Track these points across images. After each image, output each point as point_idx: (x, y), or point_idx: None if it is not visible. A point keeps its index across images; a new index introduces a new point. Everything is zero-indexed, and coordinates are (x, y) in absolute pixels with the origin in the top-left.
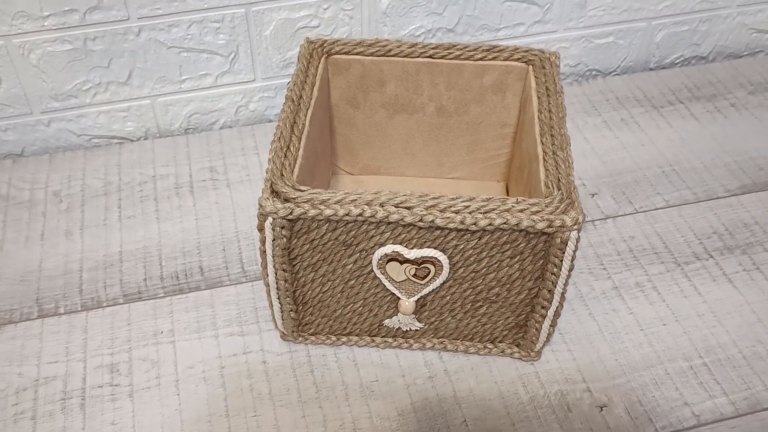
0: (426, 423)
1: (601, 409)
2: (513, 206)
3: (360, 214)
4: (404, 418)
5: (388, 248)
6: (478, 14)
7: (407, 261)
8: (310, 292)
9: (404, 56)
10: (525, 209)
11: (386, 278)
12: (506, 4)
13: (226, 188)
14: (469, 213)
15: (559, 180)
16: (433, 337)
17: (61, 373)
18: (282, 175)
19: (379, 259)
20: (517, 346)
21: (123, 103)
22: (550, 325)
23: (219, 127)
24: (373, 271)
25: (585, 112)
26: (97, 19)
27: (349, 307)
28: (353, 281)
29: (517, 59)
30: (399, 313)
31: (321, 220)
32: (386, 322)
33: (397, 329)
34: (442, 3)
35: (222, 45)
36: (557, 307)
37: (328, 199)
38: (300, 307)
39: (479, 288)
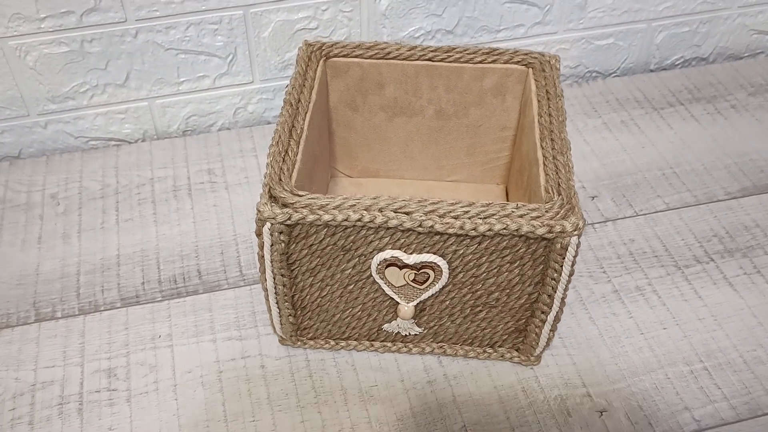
0: (425, 428)
1: (601, 414)
2: (513, 211)
3: (359, 220)
4: (403, 423)
5: (387, 253)
6: (478, 16)
7: (406, 266)
8: (308, 296)
9: (403, 59)
10: (525, 214)
11: (385, 283)
12: (506, 5)
13: (224, 191)
14: (469, 218)
15: (559, 185)
16: (432, 341)
17: (58, 378)
18: (280, 179)
19: (378, 264)
20: (516, 350)
21: (120, 105)
22: (550, 330)
23: (217, 129)
24: (372, 276)
25: (585, 113)
26: (94, 21)
27: (348, 311)
28: (352, 286)
29: (517, 62)
30: (398, 318)
31: (319, 225)
32: (385, 326)
33: (397, 334)
34: (441, 4)
35: (220, 47)
36: (557, 312)
37: (327, 204)
38: (298, 312)
39: (479, 293)
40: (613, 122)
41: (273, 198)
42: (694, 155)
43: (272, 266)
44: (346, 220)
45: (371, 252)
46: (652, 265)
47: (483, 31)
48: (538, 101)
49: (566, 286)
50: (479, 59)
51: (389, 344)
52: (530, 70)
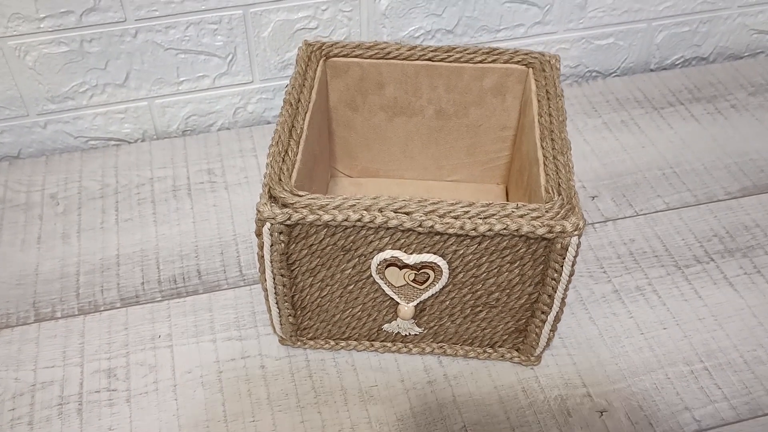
0: (425, 428)
1: (601, 414)
2: (513, 212)
3: (359, 220)
4: (403, 423)
5: (387, 253)
6: (478, 15)
7: (406, 266)
8: (308, 296)
9: (403, 59)
10: (525, 215)
11: (385, 283)
12: (506, 5)
13: (224, 191)
14: (469, 218)
15: (559, 185)
16: (432, 341)
17: (58, 378)
18: (280, 179)
19: (378, 265)
20: (516, 350)
21: (120, 105)
22: (550, 330)
23: (217, 129)
24: (372, 276)
25: (585, 113)
26: (94, 20)
27: (348, 311)
28: (352, 286)
29: (517, 62)
30: (398, 318)
31: (319, 225)
32: (385, 326)
33: (397, 334)
34: (441, 4)
35: (220, 46)
36: (557, 312)
37: (327, 205)
38: (298, 312)
39: (479, 293)
40: (613, 122)
41: (273, 198)
42: (695, 155)
43: (272, 266)
44: (346, 220)
45: (371, 252)
46: (653, 265)
47: (483, 31)
48: (539, 101)
49: (566, 286)
50: (479, 59)
51: (389, 344)
52: (530, 69)
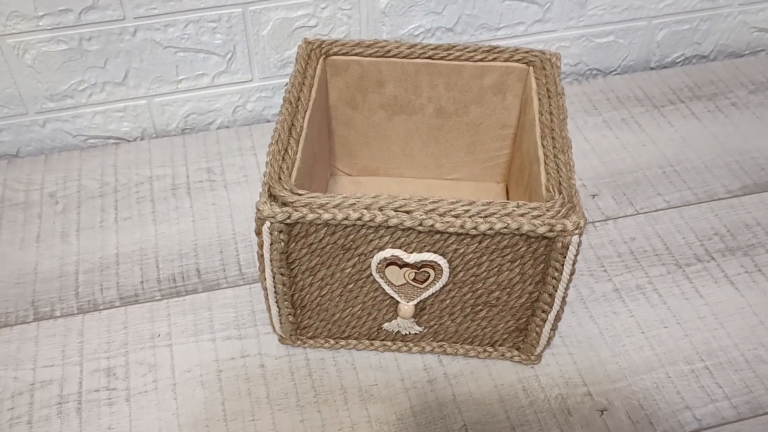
0: (425, 427)
1: (602, 413)
2: (513, 210)
3: (359, 218)
4: (403, 422)
5: (387, 252)
6: (478, 13)
7: (406, 265)
8: (308, 295)
9: (403, 57)
10: (526, 213)
11: (385, 282)
12: (506, 3)
13: (223, 189)
14: (469, 217)
15: (560, 183)
16: (432, 340)
17: (57, 377)
18: (280, 178)
19: (378, 263)
20: (517, 349)
21: (119, 104)
22: (551, 329)
23: (216, 128)
24: (372, 275)
25: (585, 111)
26: (93, 19)
27: (348, 310)
28: (352, 285)
29: (518, 60)
30: (398, 317)
31: (319, 224)
32: (385, 325)
33: (397, 333)
34: (441, 2)
35: (219, 45)
36: (558, 311)
37: (327, 203)
38: (298, 311)
39: (479, 292)
40: (613, 120)
41: (272, 197)
42: (695, 153)
43: (272, 265)
44: (345, 218)
45: (371, 251)
46: (653, 264)
47: (483, 29)
48: (539, 99)
49: (567, 284)
50: (479, 57)
51: (389, 343)
52: (531, 68)
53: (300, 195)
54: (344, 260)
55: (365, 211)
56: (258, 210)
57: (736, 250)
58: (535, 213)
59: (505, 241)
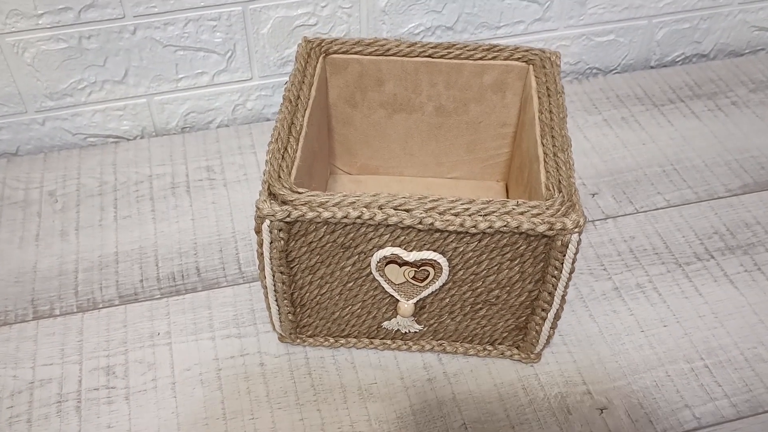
0: (425, 426)
1: (602, 412)
2: (513, 209)
3: (358, 217)
4: (403, 420)
5: (387, 251)
6: (478, 12)
7: (406, 263)
8: (308, 294)
9: (403, 55)
10: (525, 212)
11: (385, 281)
12: (506, 1)
13: (223, 188)
14: (469, 215)
15: (560, 182)
16: (432, 339)
17: (56, 376)
18: (279, 176)
19: (378, 262)
20: (516, 348)
21: (119, 102)
22: (551, 327)
23: (216, 126)
24: (371, 273)
25: (585, 110)
26: (92, 17)
27: (348, 309)
28: (352, 283)
29: (518, 59)
30: (398, 316)
31: (319, 222)
32: (385, 324)
33: (396, 331)
34: (441, 1)
35: (219, 43)
36: (557, 310)
37: (326, 202)
38: (298, 309)
39: (479, 290)
40: (613, 119)
41: (272, 195)
42: (695, 152)
43: (271, 264)
44: (345, 217)
45: (371, 249)
46: (653, 263)
47: (483, 28)
48: (539, 98)
49: (567, 283)
50: (479, 56)
51: (389, 342)
52: (531, 66)
53: (299, 193)
54: (344, 259)
55: (365, 209)
56: (258, 208)
57: (735, 249)
58: (535, 211)
59: (505, 240)
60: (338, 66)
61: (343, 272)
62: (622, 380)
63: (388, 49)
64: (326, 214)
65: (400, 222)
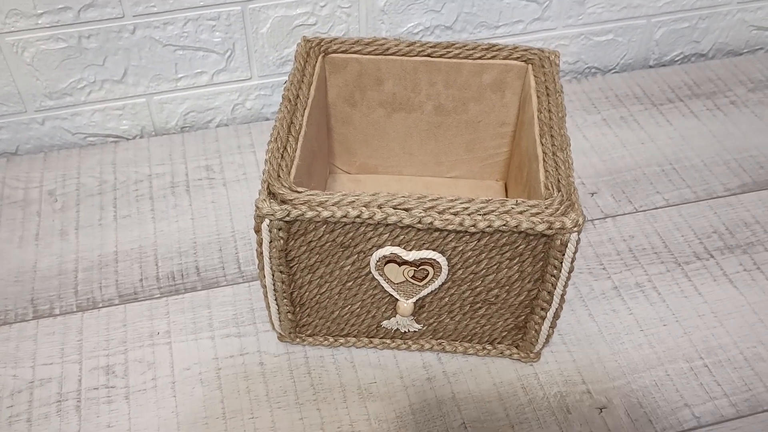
0: (424, 425)
1: (601, 411)
2: (512, 208)
3: (358, 216)
4: (402, 420)
5: (387, 250)
6: (477, 11)
7: (405, 263)
8: (307, 293)
9: (402, 55)
10: (524, 211)
11: (384, 280)
12: (505, 1)
13: (222, 187)
14: (468, 215)
15: (559, 181)
16: (431, 338)
17: (56, 375)
18: (279, 176)
19: (378, 261)
20: (516, 347)
21: (118, 102)
22: (550, 327)
23: (215, 126)
24: (371, 272)
25: (584, 109)
26: (92, 17)
27: (347, 308)
28: (351, 283)
29: (517, 58)
30: (397, 315)
31: (318, 221)
32: (384, 323)
33: (396, 330)
34: (440, 0)
35: (218, 43)
36: (557, 309)
37: (326, 201)
38: (297, 309)
39: (478, 290)
40: (612, 118)
41: (271, 194)
42: (694, 151)
43: (271, 263)
44: (344, 216)
45: (370, 249)
46: (652, 262)
47: (482, 27)
48: (538, 97)
49: (566, 282)
50: (478, 55)
51: (388, 341)
52: (530, 66)
53: (299, 193)
54: (343, 258)
55: (364, 208)
56: (257, 208)
57: (735, 248)
58: (534, 211)
59: (504, 239)
60: (337, 65)
61: (343, 271)
62: (621, 379)
63: (387, 49)
64: (325, 214)
65: (400, 221)
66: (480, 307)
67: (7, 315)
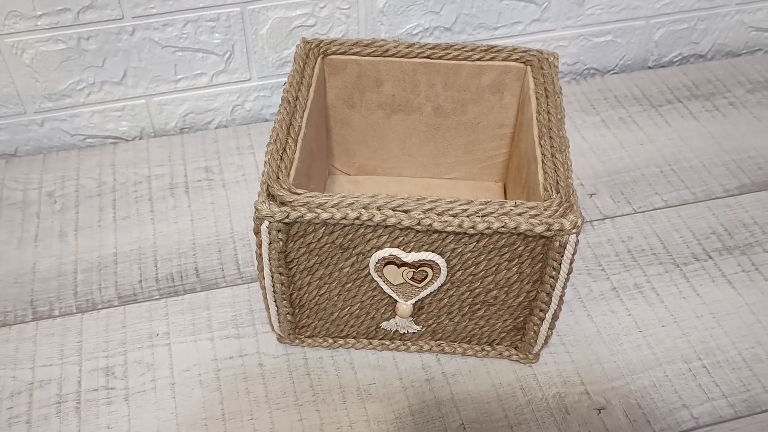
0: (423, 426)
1: (600, 412)
2: (511, 210)
3: (357, 218)
4: (401, 421)
5: (386, 251)
6: (476, 13)
7: (405, 264)
8: (306, 295)
9: (401, 56)
10: (523, 212)
11: (383, 281)
12: (504, 2)
13: (221, 188)
14: (467, 216)
15: (557, 183)
16: (430, 339)
17: (56, 377)
18: (278, 178)
19: (377, 263)
20: (515, 348)
21: (117, 103)
22: (548, 328)
23: (214, 127)
24: (370, 274)
25: (583, 111)
26: (91, 18)
27: (346, 309)
28: (350, 284)
29: (516, 59)
30: (396, 316)
31: (318, 223)
32: (383, 324)
33: (395, 332)
34: (439, 1)
35: (217, 44)
36: (555, 310)
37: (325, 203)
38: (296, 310)
39: (477, 291)
40: (611, 119)
41: (271, 196)
42: (693, 152)
43: (270, 264)
44: (344, 218)
45: (369, 250)
46: (651, 263)
47: (481, 28)
48: (537, 99)
49: (565, 283)
50: (477, 56)
51: (387, 342)
52: (529, 67)
53: (298, 194)
54: (342, 259)
55: (363, 210)
56: (256, 209)
57: (733, 249)
58: (533, 212)
59: (503, 241)
60: (337, 67)
61: (342, 273)
62: (620, 380)
63: (387, 50)
64: (325, 215)
65: (399, 223)
66: (479, 309)
67: (6, 316)
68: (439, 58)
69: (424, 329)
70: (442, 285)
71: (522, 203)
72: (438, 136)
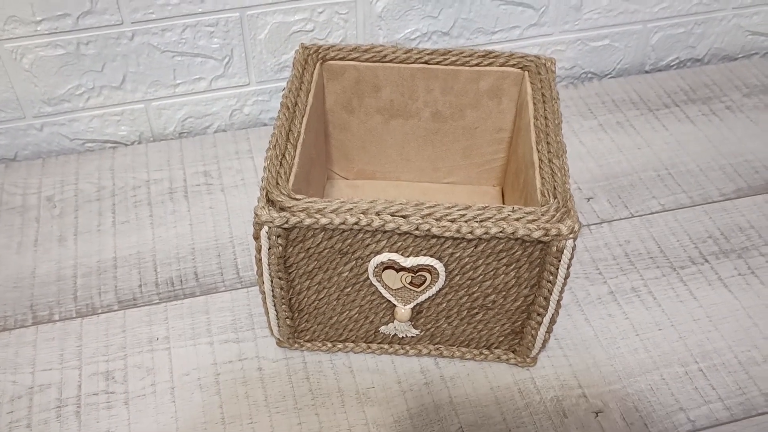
0: (422, 429)
1: (597, 415)
2: (509, 215)
3: (356, 223)
4: (400, 424)
5: (384, 256)
6: (474, 17)
7: (403, 269)
8: (305, 299)
9: (399, 62)
10: (521, 218)
11: (382, 286)
12: (502, 7)
13: (220, 193)
14: (465, 222)
15: (555, 188)
16: (429, 343)
17: (55, 381)
18: (277, 183)
19: (375, 267)
20: (513, 352)
21: (116, 108)
22: (546, 332)
23: (213, 131)
24: (369, 278)
25: (580, 114)
26: (90, 23)
27: (345, 314)
28: (349, 289)
29: (513, 65)
30: (395, 320)
31: (317, 228)
32: (382, 328)
33: (393, 336)
34: (437, 6)
35: (216, 49)
36: (553, 314)
37: (324, 208)
38: (296, 314)
39: (475, 295)
40: (608, 123)
41: (270, 202)
42: (690, 156)
43: (270, 269)
44: (343, 223)
45: (368, 255)
46: (648, 266)
47: (479, 33)
48: (534, 104)
49: (562, 288)
50: (475, 62)
51: (386, 346)
52: (526, 72)
53: (297, 200)
54: (341, 264)
55: (362, 215)
56: (256, 215)
57: (730, 253)
58: (531, 217)
59: (501, 245)
60: (335, 72)
61: (341, 278)
62: (617, 384)
63: (385, 56)
64: (324, 221)
65: (397, 228)
66: (477, 313)
67: (6, 321)
68: (437, 63)
69: (422, 333)
70: (440, 289)
71: (519, 208)
72: (436, 141)
